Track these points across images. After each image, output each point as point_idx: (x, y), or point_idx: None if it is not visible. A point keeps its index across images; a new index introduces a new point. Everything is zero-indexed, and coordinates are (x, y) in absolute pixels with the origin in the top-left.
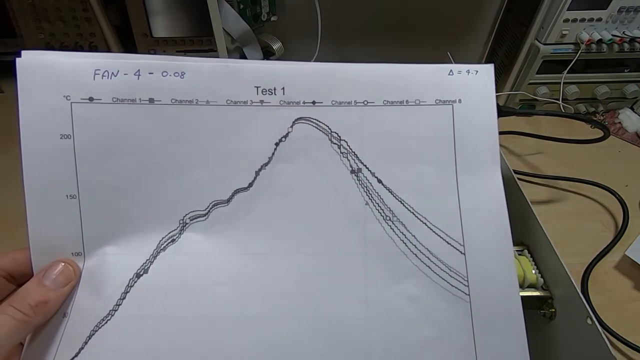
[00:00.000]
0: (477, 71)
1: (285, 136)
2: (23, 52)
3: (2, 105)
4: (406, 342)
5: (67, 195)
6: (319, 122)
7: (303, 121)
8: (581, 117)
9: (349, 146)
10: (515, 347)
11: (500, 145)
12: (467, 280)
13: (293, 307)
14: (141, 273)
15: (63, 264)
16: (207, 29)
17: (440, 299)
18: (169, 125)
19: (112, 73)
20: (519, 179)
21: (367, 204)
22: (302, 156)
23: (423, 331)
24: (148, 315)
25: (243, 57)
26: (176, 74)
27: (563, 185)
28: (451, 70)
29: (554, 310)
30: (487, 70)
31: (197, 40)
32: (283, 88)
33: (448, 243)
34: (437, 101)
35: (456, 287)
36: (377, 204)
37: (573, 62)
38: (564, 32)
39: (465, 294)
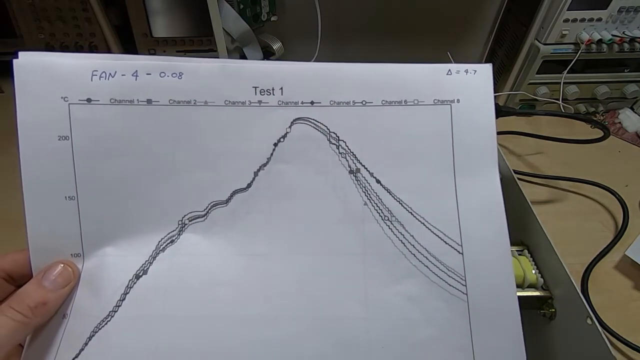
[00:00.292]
0: (475, 71)
1: (284, 136)
2: (20, 54)
3: (1, 106)
4: (405, 341)
5: (65, 197)
6: (318, 122)
7: (301, 121)
8: (581, 117)
9: (347, 146)
10: (512, 346)
11: (500, 145)
12: (465, 280)
13: (292, 307)
14: (140, 274)
15: (62, 265)
16: (207, 29)
17: (438, 298)
18: (167, 126)
19: (110, 74)
20: (519, 179)
21: (365, 204)
22: (300, 156)
23: (422, 331)
24: (148, 315)
25: (243, 57)
26: (174, 75)
27: (563, 185)
28: (449, 70)
29: (554, 310)
30: (486, 70)
31: (197, 40)
32: (281, 88)
33: (446, 243)
34: (435, 101)
35: (454, 287)
36: (376, 204)
37: (573, 62)
38: (564, 32)
39: (463, 293)
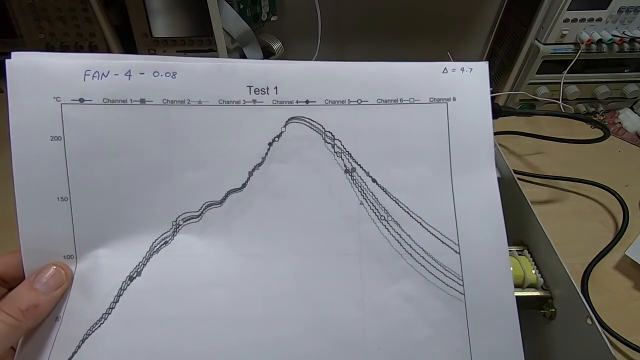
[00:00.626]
0: (471, 69)
1: (279, 136)
2: (13, 54)
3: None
4: (402, 341)
5: (58, 198)
6: (313, 121)
7: (296, 121)
8: (581, 117)
9: (343, 145)
10: (510, 345)
11: (500, 145)
12: (462, 280)
13: (288, 308)
14: (134, 275)
15: (54, 267)
16: (207, 29)
17: (435, 298)
18: (160, 126)
19: (103, 74)
20: (519, 179)
21: (361, 203)
22: (295, 156)
23: (419, 331)
24: (141, 318)
25: (243, 57)
26: (167, 74)
27: (563, 185)
28: (445, 68)
29: (554, 310)
30: (482, 68)
31: (197, 40)
32: (276, 87)
33: (443, 242)
34: (431, 99)
35: (451, 287)
36: (372, 203)
37: (573, 62)
38: (564, 32)
39: (460, 293)
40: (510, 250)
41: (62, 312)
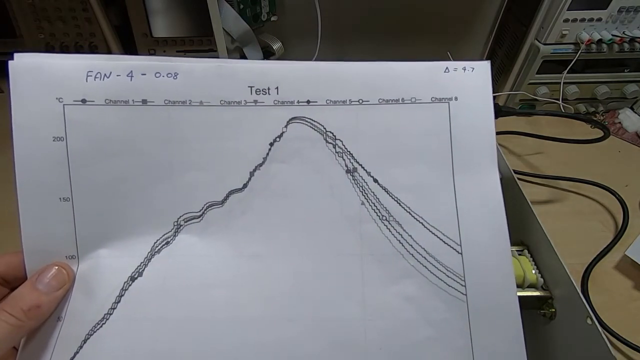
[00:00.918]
0: (473, 68)
1: (280, 136)
2: (15, 55)
3: (1, 105)
4: (403, 342)
5: (60, 198)
6: (314, 121)
7: (297, 121)
8: (581, 117)
9: (344, 145)
10: (512, 346)
11: (500, 145)
12: (464, 280)
13: (289, 309)
14: (136, 276)
15: (57, 267)
16: (207, 29)
17: (437, 299)
18: (162, 127)
19: (105, 75)
20: (519, 179)
21: (363, 203)
22: (297, 156)
23: (420, 331)
24: (143, 318)
25: (243, 57)
26: (169, 75)
27: (563, 185)
28: (447, 68)
29: (554, 310)
30: (484, 67)
31: (197, 40)
32: (277, 88)
33: (445, 243)
34: (433, 99)
35: (453, 287)
36: (373, 203)
37: (573, 62)
38: (564, 32)
39: (462, 293)
40: (510, 250)
41: (64, 312)
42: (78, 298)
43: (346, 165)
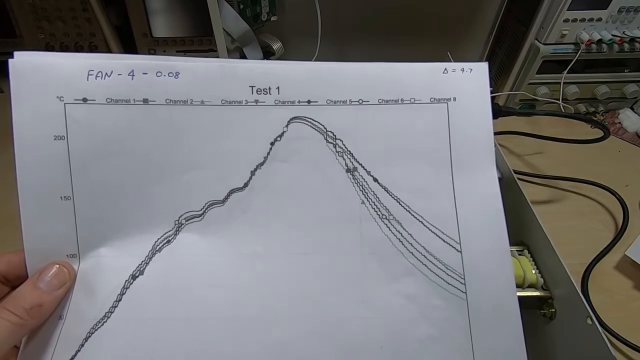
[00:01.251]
0: (471, 69)
1: (281, 136)
2: (16, 53)
3: (1, 105)
4: (404, 340)
5: (61, 197)
6: (314, 121)
7: (298, 120)
8: (581, 117)
9: (344, 145)
10: (512, 344)
11: (501, 145)
12: (464, 278)
13: (290, 308)
14: (137, 275)
15: (57, 266)
16: (207, 29)
17: (437, 297)
18: (163, 126)
19: (106, 73)
20: (519, 179)
21: (363, 202)
22: (297, 156)
23: (421, 329)
24: (144, 317)
25: (243, 57)
26: (170, 74)
27: (563, 185)
28: (446, 69)
29: (554, 310)
30: (482, 68)
31: (197, 40)
32: (278, 87)
33: (444, 241)
34: (432, 99)
35: (453, 285)
36: (373, 202)
37: (573, 62)
38: (564, 32)
39: (462, 291)
40: (510, 250)
41: (65, 311)
42: (79, 297)
43: (346, 165)
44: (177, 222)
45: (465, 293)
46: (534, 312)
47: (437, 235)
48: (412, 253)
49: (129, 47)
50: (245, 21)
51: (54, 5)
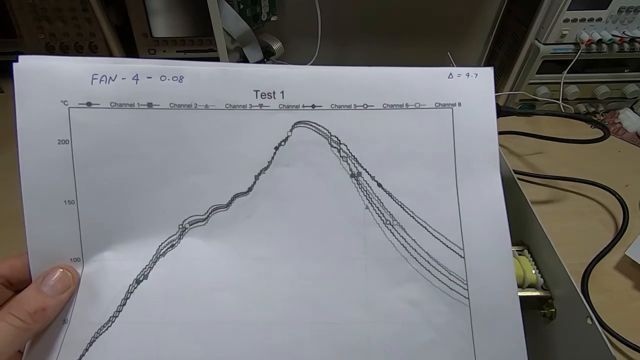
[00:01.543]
0: (476, 74)
1: (285, 140)
2: (20, 57)
3: (1, 106)
4: (406, 346)
5: (65, 201)
6: (319, 125)
7: (302, 125)
8: (581, 117)
9: (348, 150)
10: (513, 347)
11: (500, 145)
12: (467, 284)
13: (293, 312)
14: (141, 279)
15: (61, 270)
16: (207, 29)
17: (440, 302)
18: (167, 130)
19: (110, 78)
20: (519, 179)
21: (367, 208)
22: (301, 160)
23: (423, 335)
24: (149, 321)
25: (243, 57)
26: (175, 78)
27: (563, 185)
28: (451, 74)
29: (554, 310)
30: (487, 73)
31: (197, 40)
32: (282, 92)
33: (448, 247)
34: (437, 104)
35: (456, 291)
36: (377, 208)
37: (573, 62)
38: (564, 32)
39: (465, 297)
40: (512, 255)
41: (69, 315)
42: (83, 301)
43: (350, 170)
44: (181, 227)
45: (468, 299)
46: (534, 312)
47: (441, 241)
48: (415, 259)
49: (129, 47)
50: (245, 21)
51: (54, 5)
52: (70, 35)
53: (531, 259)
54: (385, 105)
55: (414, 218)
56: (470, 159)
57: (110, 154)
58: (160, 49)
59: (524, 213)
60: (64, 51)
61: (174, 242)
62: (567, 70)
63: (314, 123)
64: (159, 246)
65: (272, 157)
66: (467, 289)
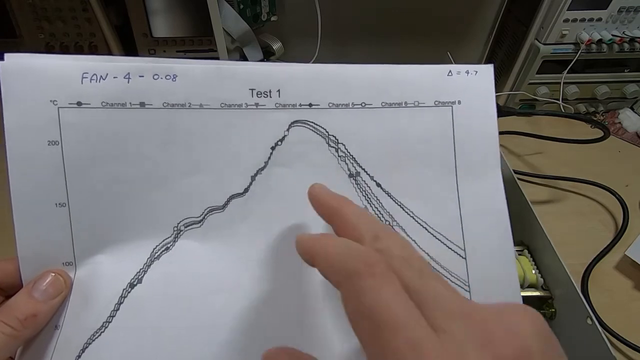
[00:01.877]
0: (476, 71)
1: (282, 140)
2: (6, 55)
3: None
4: None
5: (56, 204)
6: (316, 125)
7: (299, 124)
8: (581, 117)
9: (347, 149)
10: None
11: (500, 145)
12: (469, 285)
13: (292, 314)
14: (135, 283)
15: (53, 274)
16: (207, 29)
17: None
18: (160, 130)
19: (101, 76)
20: (519, 179)
21: (366, 208)
22: (298, 160)
23: None
24: (144, 326)
25: (243, 57)
26: (168, 77)
27: (563, 185)
28: (450, 71)
29: (554, 310)
30: (487, 71)
31: (197, 40)
32: (279, 90)
33: (449, 248)
34: (436, 102)
35: None
36: (377, 208)
37: (573, 62)
38: (564, 32)
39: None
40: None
41: (61, 320)
42: (76, 306)
43: (349, 170)
44: (176, 229)
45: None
46: None
47: (442, 242)
48: None
49: (129, 47)
50: (245, 21)
51: (54, 5)
52: (70, 35)
53: (531, 259)
54: (383, 104)
55: (414, 219)
56: (471, 157)
57: (102, 155)
58: (160, 49)
59: (524, 213)
60: (64, 51)
61: (169, 245)
62: (567, 70)
63: (311, 122)
64: (154, 249)
65: (269, 158)
66: (469, 291)
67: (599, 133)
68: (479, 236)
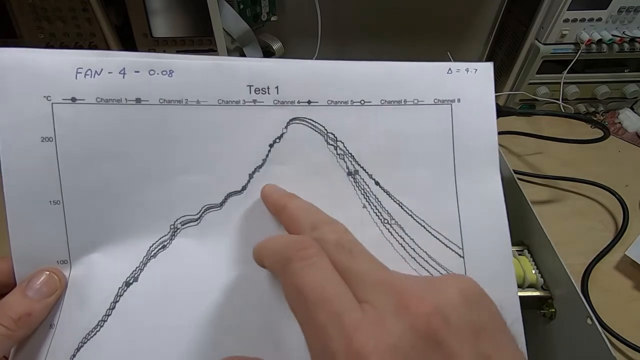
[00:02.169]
0: (476, 69)
1: (280, 137)
2: None
3: None
4: None
5: (50, 201)
6: (315, 122)
7: (298, 121)
8: (581, 117)
9: (345, 147)
10: None
11: (500, 145)
12: None
13: (290, 313)
14: (131, 281)
15: (47, 273)
16: (207, 29)
17: None
18: (157, 127)
19: (96, 72)
20: (519, 179)
21: (364, 207)
22: (297, 158)
23: None
24: (140, 325)
25: (243, 57)
26: (164, 73)
27: (563, 185)
28: (450, 69)
29: (554, 310)
30: (487, 69)
31: (197, 40)
32: (277, 87)
33: (447, 246)
34: (435, 100)
35: None
36: (375, 206)
37: (573, 62)
38: (564, 32)
39: None
40: (511, 254)
41: (56, 319)
42: (71, 304)
43: (347, 168)
44: (172, 227)
45: None
46: (534, 312)
47: (440, 240)
48: (414, 258)
49: (129, 47)
50: (245, 21)
51: (54, 5)
52: (70, 35)
53: (531, 259)
54: (383, 102)
55: (412, 217)
56: (470, 156)
57: (97, 152)
58: (160, 49)
59: (524, 213)
60: None
61: (166, 243)
62: (567, 70)
63: (310, 119)
64: (150, 247)
65: (267, 155)
66: None
67: (599, 133)
68: (476, 234)
